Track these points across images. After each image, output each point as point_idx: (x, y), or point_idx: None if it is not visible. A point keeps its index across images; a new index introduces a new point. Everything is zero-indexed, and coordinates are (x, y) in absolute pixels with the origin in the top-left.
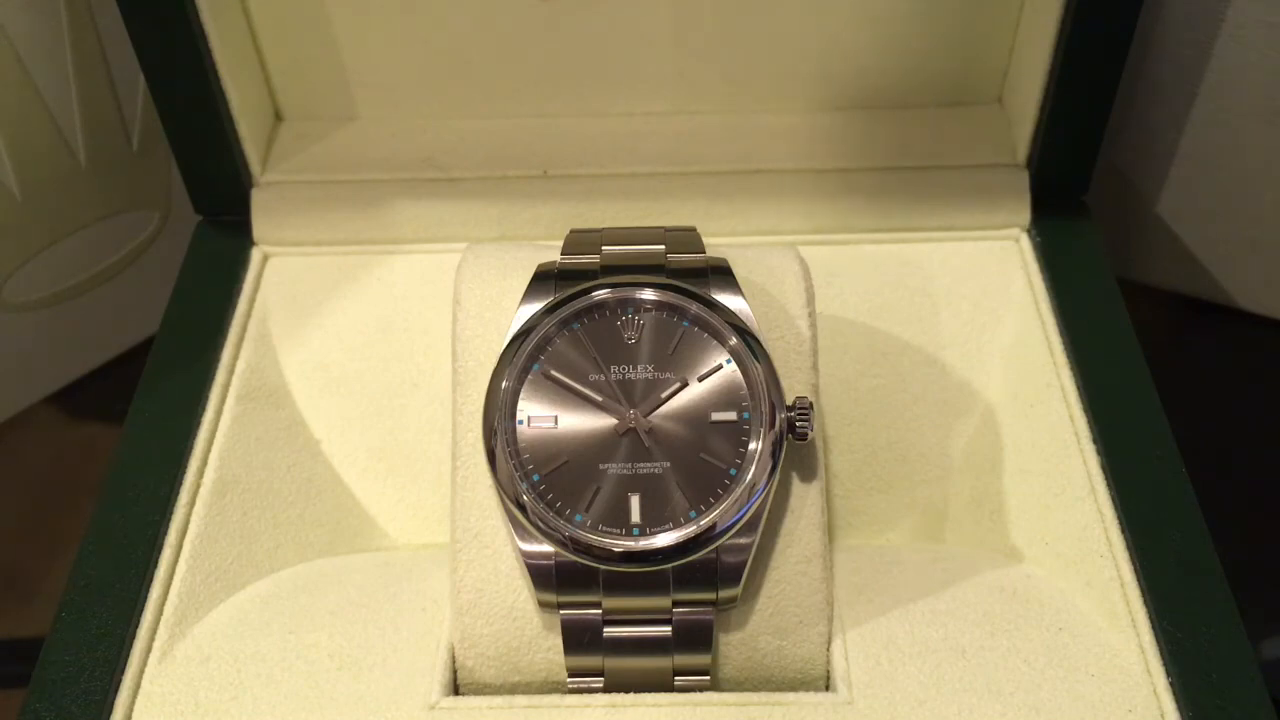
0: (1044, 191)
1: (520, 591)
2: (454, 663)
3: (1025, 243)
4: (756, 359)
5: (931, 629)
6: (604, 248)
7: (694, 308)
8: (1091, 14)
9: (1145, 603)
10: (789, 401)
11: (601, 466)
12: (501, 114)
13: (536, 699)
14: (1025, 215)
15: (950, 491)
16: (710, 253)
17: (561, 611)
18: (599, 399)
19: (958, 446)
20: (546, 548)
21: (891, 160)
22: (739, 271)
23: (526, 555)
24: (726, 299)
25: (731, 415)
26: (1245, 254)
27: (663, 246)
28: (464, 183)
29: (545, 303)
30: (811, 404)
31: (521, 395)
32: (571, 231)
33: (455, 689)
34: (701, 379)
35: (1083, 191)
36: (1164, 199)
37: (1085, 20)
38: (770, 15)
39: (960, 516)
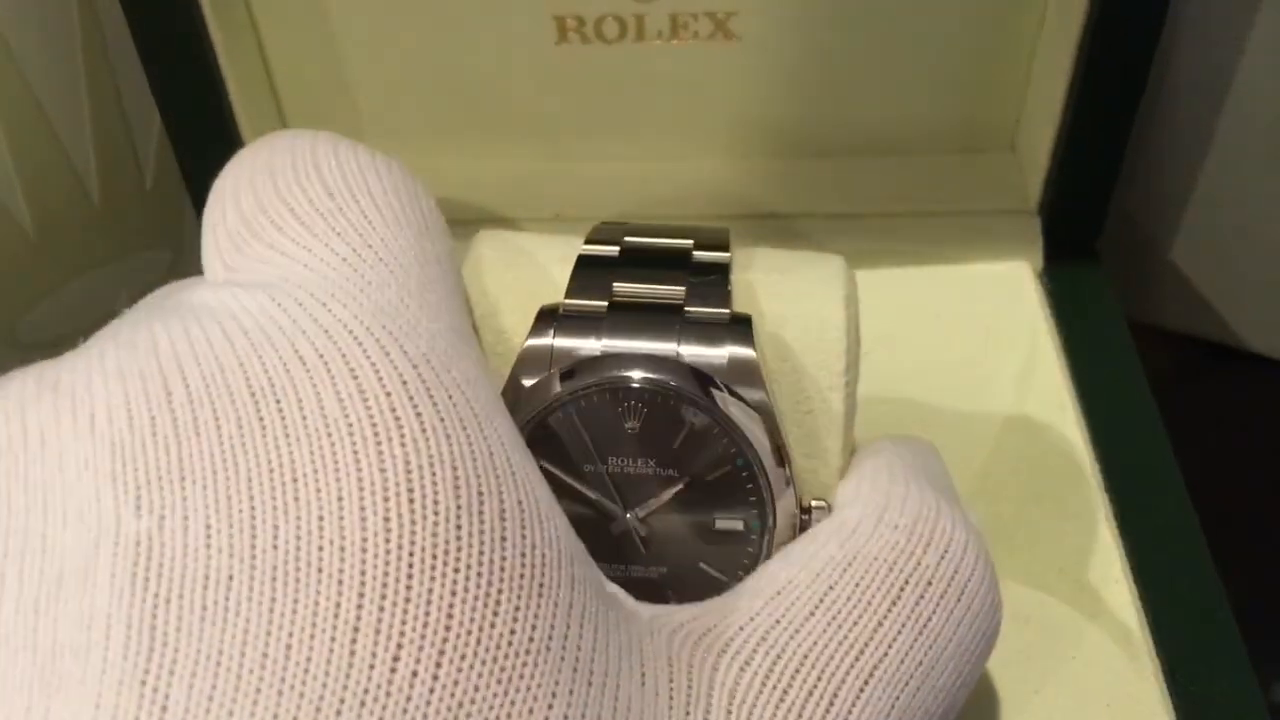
0: (1056, 237)
1: None
2: None
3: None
4: (771, 460)
5: None
6: (626, 239)
7: (703, 399)
8: (1104, 62)
9: (1156, 655)
10: (804, 503)
11: None
12: (514, 156)
13: None
14: (1037, 260)
15: None
16: (743, 282)
17: None
18: (593, 496)
19: (969, 476)
20: None
21: (904, 206)
22: (768, 326)
23: None
24: (744, 392)
25: (737, 525)
26: (1256, 297)
27: (690, 241)
28: (476, 224)
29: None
30: (828, 507)
31: None
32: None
33: None
34: (707, 480)
35: (1095, 237)
36: (1175, 243)
37: (1098, 68)
38: (780, 62)
39: None
